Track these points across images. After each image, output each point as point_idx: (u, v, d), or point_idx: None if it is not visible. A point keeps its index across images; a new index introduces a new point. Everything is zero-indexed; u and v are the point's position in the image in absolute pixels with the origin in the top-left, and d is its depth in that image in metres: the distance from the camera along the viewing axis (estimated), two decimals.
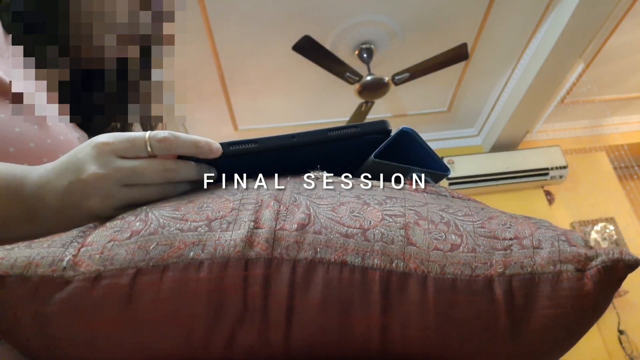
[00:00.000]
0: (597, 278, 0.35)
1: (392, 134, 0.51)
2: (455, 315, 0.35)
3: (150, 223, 0.37)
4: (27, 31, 0.54)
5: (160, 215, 0.38)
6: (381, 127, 0.50)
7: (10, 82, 0.49)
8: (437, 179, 0.50)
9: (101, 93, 0.62)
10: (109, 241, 0.36)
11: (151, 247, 0.35)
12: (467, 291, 0.35)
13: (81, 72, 0.58)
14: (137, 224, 0.37)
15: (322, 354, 0.36)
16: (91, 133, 0.64)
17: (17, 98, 0.49)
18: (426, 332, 0.35)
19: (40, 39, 0.54)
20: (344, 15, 2.51)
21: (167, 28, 0.57)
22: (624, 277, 0.35)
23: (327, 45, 2.62)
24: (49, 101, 0.56)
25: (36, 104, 0.51)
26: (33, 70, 0.55)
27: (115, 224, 0.38)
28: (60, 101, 0.59)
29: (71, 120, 0.60)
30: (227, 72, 2.85)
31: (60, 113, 0.57)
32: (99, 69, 0.59)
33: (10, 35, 0.55)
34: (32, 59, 0.55)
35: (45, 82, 0.56)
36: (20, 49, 0.54)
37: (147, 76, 0.60)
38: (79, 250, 0.35)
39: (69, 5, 0.53)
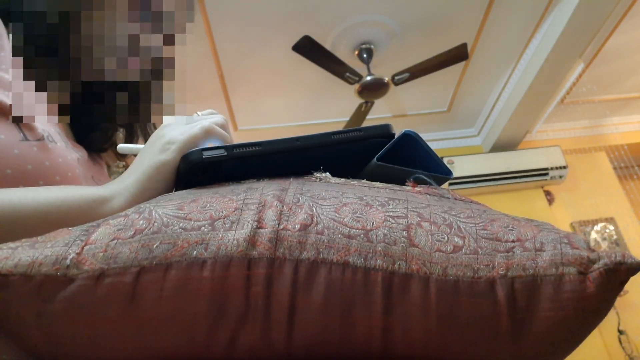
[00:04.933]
0: (600, 281, 0.35)
1: (395, 136, 0.51)
2: (457, 317, 0.35)
3: (154, 222, 0.37)
4: (35, 54, 0.54)
5: (163, 214, 0.38)
6: (384, 131, 0.51)
7: (11, 105, 0.49)
8: (439, 182, 0.51)
9: (101, 106, 0.62)
10: (113, 239, 0.36)
11: (154, 245, 0.36)
12: (469, 293, 0.35)
13: (81, 86, 0.59)
14: (141, 222, 0.37)
15: (324, 354, 0.36)
16: (90, 148, 0.65)
17: (17, 112, 0.49)
18: (428, 334, 0.35)
19: (46, 61, 0.55)
20: (344, 15, 2.51)
21: (169, 51, 0.57)
22: (626, 280, 0.35)
23: (327, 45, 2.62)
24: (48, 113, 0.57)
25: (35, 117, 0.52)
26: (32, 83, 0.55)
27: (119, 222, 0.38)
28: (60, 114, 0.59)
29: (60, 121, 0.60)
30: (227, 72, 2.85)
31: (50, 120, 0.57)
32: (98, 84, 0.59)
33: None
34: (32, 73, 0.55)
35: (42, 93, 0.56)
36: (19, 61, 0.54)
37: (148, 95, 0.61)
38: (82, 248, 0.35)
39: (80, 28, 0.54)
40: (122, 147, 0.59)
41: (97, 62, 0.55)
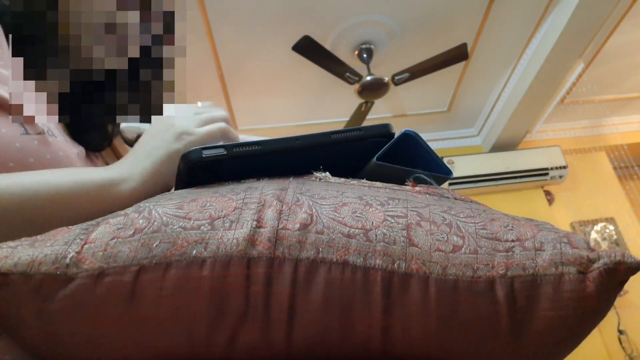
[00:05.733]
0: (599, 280, 0.35)
1: (395, 136, 0.51)
2: (456, 317, 0.35)
3: (154, 221, 0.37)
4: (18, 41, 0.54)
5: (163, 213, 0.38)
6: (384, 130, 0.51)
7: (11, 99, 0.49)
8: (439, 182, 0.50)
9: (100, 106, 0.62)
10: (112, 238, 0.36)
11: (154, 244, 0.36)
12: (468, 292, 0.35)
13: (80, 85, 0.58)
14: (141, 221, 0.37)
15: (324, 353, 0.36)
16: (88, 147, 0.65)
17: (18, 110, 0.49)
18: (427, 333, 0.35)
19: (31, 46, 0.54)
20: (344, 15, 2.51)
21: (169, 51, 0.57)
22: (626, 280, 0.35)
23: (327, 45, 2.62)
24: (48, 113, 0.56)
25: (36, 114, 0.52)
26: (33, 82, 0.55)
27: (119, 221, 0.38)
28: (60, 113, 0.59)
29: (60, 120, 0.60)
30: (227, 72, 2.85)
31: (50, 120, 0.57)
32: (96, 82, 0.58)
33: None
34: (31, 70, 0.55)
35: (44, 93, 0.56)
36: (19, 59, 0.54)
37: (158, 76, 0.60)
38: (82, 247, 0.35)
39: (53, 6, 0.53)
40: (126, 126, 0.59)
41: (74, 39, 0.54)
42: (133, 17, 0.55)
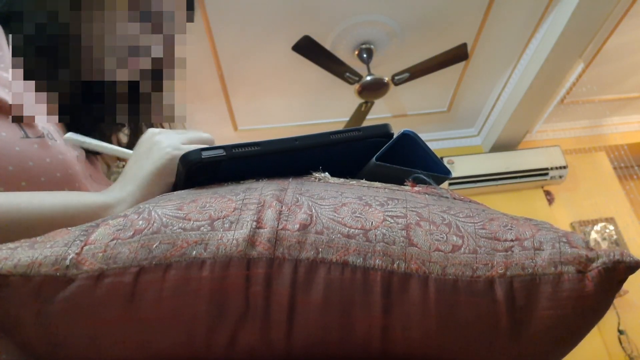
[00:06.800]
0: (598, 279, 0.35)
1: (394, 136, 0.51)
2: (456, 316, 0.35)
3: (153, 222, 0.37)
4: (35, 54, 0.55)
5: (163, 214, 0.38)
6: (383, 131, 0.51)
7: (11, 105, 0.49)
8: (438, 182, 0.51)
9: (100, 106, 0.62)
10: (112, 239, 0.36)
11: (154, 245, 0.36)
12: (468, 292, 0.35)
13: (80, 85, 0.59)
14: (140, 222, 0.37)
15: (323, 353, 0.36)
16: (88, 149, 0.65)
17: (18, 112, 0.50)
18: (427, 333, 0.35)
19: (46, 61, 0.55)
20: (344, 15, 2.51)
21: (169, 51, 0.58)
22: (625, 279, 0.35)
23: (327, 45, 2.62)
24: (47, 113, 0.57)
25: (35, 115, 0.52)
26: (32, 83, 0.55)
27: (118, 222, 0.38)
28: (60, 113, 0.60)
29: (60, 120, 0.60)
30: (227, 72, 2.85)
31: (50, 119, 0.57)
32: (97, 84, 0.59)
33: (10, 47, 0.55)
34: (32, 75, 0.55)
35: (44, 93, 0.56)
36: (19, 61, 0.54)
37: (158, 88, 0.60)
38: (82, 248, 0.35)
39: (80, 29, 0.54)
40: (70, 136, 0.56)
41: (97, 62, 0.55)
42: (157, 39, 0.56)
